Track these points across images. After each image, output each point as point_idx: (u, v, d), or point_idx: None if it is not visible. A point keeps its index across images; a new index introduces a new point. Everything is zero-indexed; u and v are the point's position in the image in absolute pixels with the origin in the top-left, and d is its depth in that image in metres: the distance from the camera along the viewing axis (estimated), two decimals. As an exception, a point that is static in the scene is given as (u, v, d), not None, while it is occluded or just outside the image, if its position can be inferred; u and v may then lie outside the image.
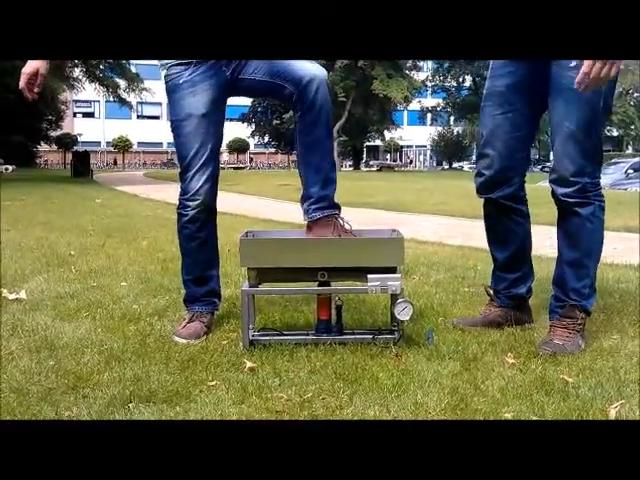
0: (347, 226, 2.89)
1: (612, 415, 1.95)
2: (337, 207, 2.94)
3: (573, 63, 2.53)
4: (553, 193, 2.74)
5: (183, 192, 2.92)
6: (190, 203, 2.90)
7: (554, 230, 2.87)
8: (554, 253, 2.90)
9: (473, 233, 7.27)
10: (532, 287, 3.10)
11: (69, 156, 36.96)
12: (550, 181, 2.76)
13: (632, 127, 56.80)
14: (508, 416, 1.99)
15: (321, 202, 2.90)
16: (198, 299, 3.02)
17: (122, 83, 32.47)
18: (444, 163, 65.79)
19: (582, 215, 2.72)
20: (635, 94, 55.82)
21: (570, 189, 2.69)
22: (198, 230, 2.94)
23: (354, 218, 2.98)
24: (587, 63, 2.29)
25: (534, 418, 1.99)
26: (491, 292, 3.12)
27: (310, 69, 2.81)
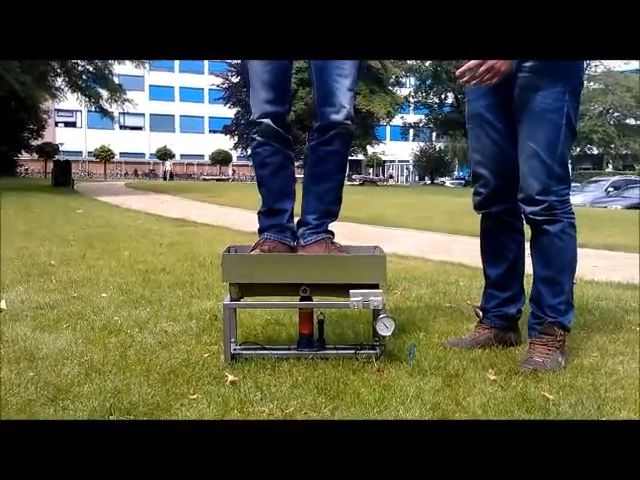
0: (339, 248, 2.91)
1: (592, 433, 1.95)
2: (332, 233, 2.97)
3: (539, 86, 2.68)
4: (523, 212, 2.82)
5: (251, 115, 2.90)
6: (257, 127, 2.87)
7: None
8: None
9: (454, 248, 7.31)
10: (522, 309, 3.09)
11: (50, 165, 36.72)
12: (518, 200, 2.82)
13: (612, 146, 57.30)
14: (489, 432, 1.99)
15: (318, 228, 2.92)
16: (267, 229, 2.95)
17: (104, 93, 32.33)
18: (426, 178, 65.99)
19: (551, 232, 2.77)
20: (615, 113, 56.42)
21: (537, 207, 2.75)
22: (269, 155, 2.90)
23: (337, 232, 2.99)
24: (474, 62, 2.51)
25: (515, 435, 2.00)
26: (480, 313, 3.12)
27: (343, 111, 2.83)
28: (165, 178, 53.09)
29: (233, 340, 2.79)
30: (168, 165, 59.49)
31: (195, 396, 2.31)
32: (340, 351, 2.77)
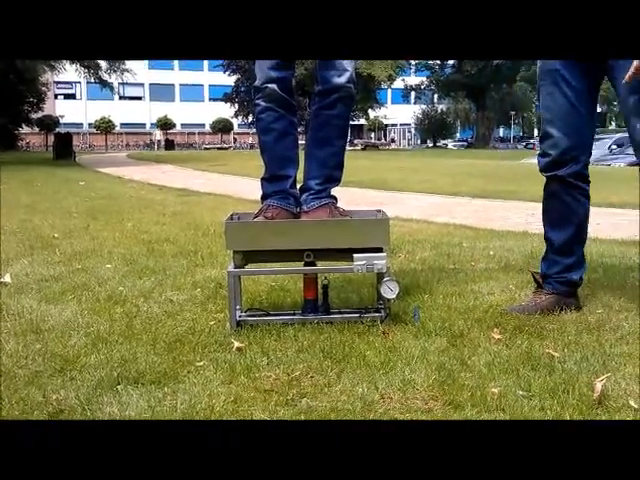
0: (342, 213, 2.91)
1: (598, 388, 1.97)
2: (335, 198, 2.96)
3: None
4: None
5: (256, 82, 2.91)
6: (261, 92, 2.88)
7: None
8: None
9: (457, 210, 7.31)
10: (584, 275, 3.05)
11: (51, 138, 36.63)
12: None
13: (615, 103, 56.93)
14: (495, 391, 2.00)
15: (320, 193, 2.92)
16: (270, 195, 2.93)
17: (103, 64, 32.16)
18: (428, 141, 65.68)
19: None
20: (618, 70, 55.98)
21: None
22: (273, 121, 2.89)
23: (340, 197, 2.99)
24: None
25: (521, 392, 2.01)
26: (539, 279, 3.01)
27: (346, 74, 2.84)
28: (158, 148, 52.84)
29: (238, 307, 2.80)
30: (158, 134, 58.95)
31: (202, 363, 2.32)
32: (345, 315, 2.77)
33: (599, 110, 59.64)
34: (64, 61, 32.18)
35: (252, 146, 56.95)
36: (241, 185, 11.48)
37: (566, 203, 2.90)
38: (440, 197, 9.19)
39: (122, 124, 63.57)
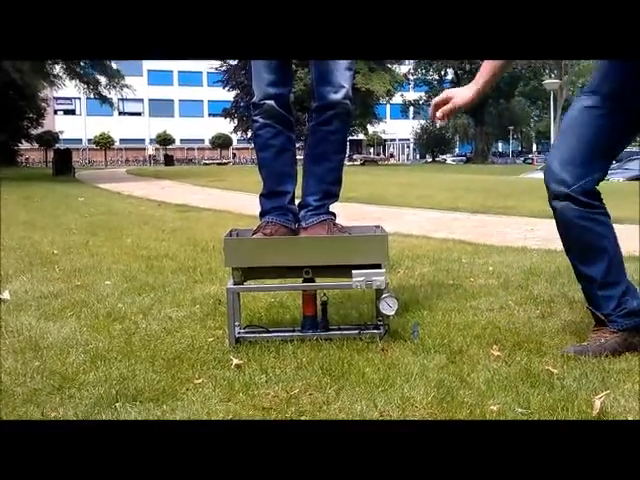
0: (340, 229, 2.91)
1: (597, 405, 1.96)
2: (333, 214, 2.97)
3: None
4: None
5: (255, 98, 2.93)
6: (259, 109, 2.89)
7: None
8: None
9: (456, 226, 7.31)
10: None
11: (51, 154, 36.70)
12: None
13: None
14: (494, 408, 2.00)
15: (319, 209, 2.92)
16: (268, 212, 2.92)
17: (103, 80, 32.26)
18: (427, 156, 65.88)
19: None
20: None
21: None
22: (271, 137, 2.90)
23: (339, 213, 2.99)
24: None
25: (520, 410, 2.00)
26: (601, 317, 2.62)
27: (342, 90, 2.85)
28: (152, 164, 53.06)
29: (237, 324, 2.80)
30: (151, 149, 59.05)
31: (200, 380, 2.31)
32: (344, 332, 2.77)
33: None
34: (64, 77, 32.26)
35: (253, 161, 57.31)
36: (240, 201, 11.48)
37: (588, 229, 2.58)
38: (439, 212, 9.20)
39: (121, 140, 63.76)
